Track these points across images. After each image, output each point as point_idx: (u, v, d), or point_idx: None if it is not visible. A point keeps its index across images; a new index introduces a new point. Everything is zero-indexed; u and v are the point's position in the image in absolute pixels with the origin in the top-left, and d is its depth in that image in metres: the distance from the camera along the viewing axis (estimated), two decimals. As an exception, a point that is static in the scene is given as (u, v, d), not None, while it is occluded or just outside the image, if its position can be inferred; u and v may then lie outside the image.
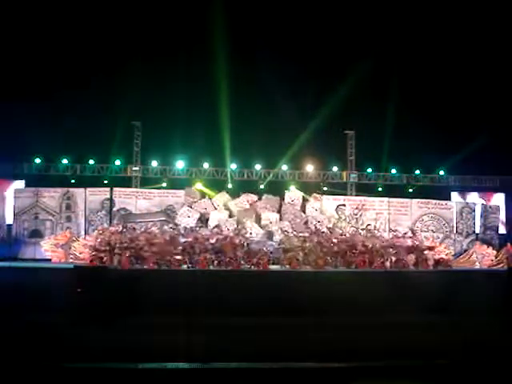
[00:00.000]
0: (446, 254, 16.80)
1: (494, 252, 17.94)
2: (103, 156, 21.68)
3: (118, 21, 20.74)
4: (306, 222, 19.82)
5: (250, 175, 22.17)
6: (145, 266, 14.32)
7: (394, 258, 15.64)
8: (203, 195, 20.76)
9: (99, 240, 15.54)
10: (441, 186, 23.12)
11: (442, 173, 23.05)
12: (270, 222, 19.41)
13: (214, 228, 17.76)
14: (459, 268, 16.59)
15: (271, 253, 16.00)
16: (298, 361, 8.31)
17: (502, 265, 17.44)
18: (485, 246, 18.51)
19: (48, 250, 17.29)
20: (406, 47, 21.55)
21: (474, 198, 22.57)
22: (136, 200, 20.11)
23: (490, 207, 21.63)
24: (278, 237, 18.29)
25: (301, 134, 21.11)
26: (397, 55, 21.65)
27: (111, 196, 19.73)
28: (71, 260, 16.41)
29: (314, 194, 20.91)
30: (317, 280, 13.62)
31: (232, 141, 20.92)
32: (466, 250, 19.45)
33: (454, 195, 22.68)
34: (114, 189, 20.06)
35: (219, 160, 21.86)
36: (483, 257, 17.60)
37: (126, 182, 21.63)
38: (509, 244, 18.28)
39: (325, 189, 22.00)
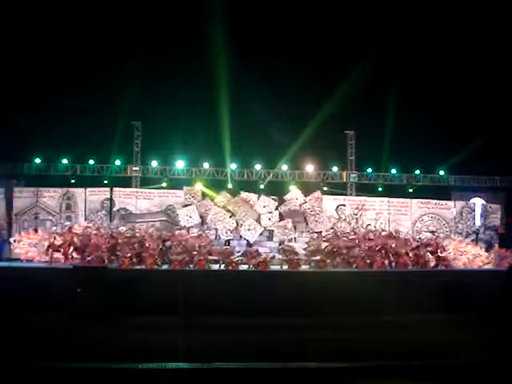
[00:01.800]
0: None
1: (483, 252, 17.88)
2: (103, 156, 21.67)
3: (118, 21, 20.73)
4: (305, 222, 19.87)
5: (249, 175, 22.16)
6: (143, 266, 14.31)
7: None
8: (204, 195, 20.75)
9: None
10: (441, 185, 23.11)
11: (442, 173, 23.05)
12: (270, 220, 19.43)
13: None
14: (459, 268, 16.56)
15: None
16: (298, 361, 8.31)
17: (490, 264, 17.41)
18: (463, 244, 18.46)
19: (17, 248, 16.81)
20: (406, 47, 21.54)
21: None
22: (136, 200, 20.13)
23: (490, 207, 21.63)
24: (278, 237, 18.36)
25: (301, 134, 21.10)
26: (397, 55, 21.62)
27: (111, 196, 19.76)
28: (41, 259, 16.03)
29: (314, 194, 20.89)
30: (317, 280, 13.62)
31: (232, 141, 20.91)
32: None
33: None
34: (114, 189, 20.08)
35: (219, 160, 21.85)
36: (475, 257, 17.56)
37: (126, 182, 21.62)
38: (496, 244, 18.34)
39: (325, 189, 21.98)
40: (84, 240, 15.05)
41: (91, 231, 15.86)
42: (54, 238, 15.40)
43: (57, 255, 15.23)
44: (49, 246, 15.24)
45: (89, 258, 14.46)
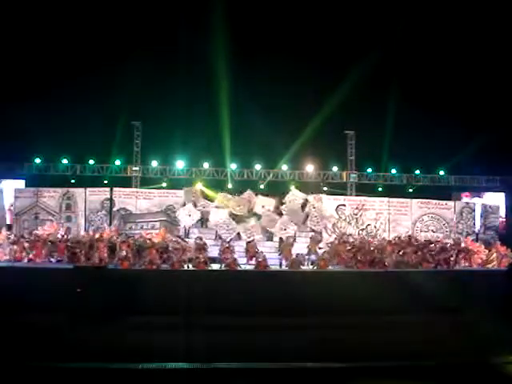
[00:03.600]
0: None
1: (486, 251, 17.84)
2: (103, 156, 21.70)
3: (119, 21, 20.74)
4: (305, 222, 19.84)
5: (249, 175, 22.16)
6: (143, 266, 14.29)
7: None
8: (204, 195, 20.74)
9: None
10: (441, 185, 23.12)
11: (442, 173, 23.05)
12: (270, 222, 19.38)
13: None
14: (459, 268, 16.54)
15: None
16: (298, 361, 8.31)
17: (492, 264, 17.38)
18: (476, 244, 18.44)
19: None
20: (406, 47, 21.55)
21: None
22: (136, 200, 20.10)
23: (490, 207, 21.62)
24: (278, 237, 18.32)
25: (301, 134, 21.09)
26: (397, 55, 21.65)
27: (111, 196, 19.72)
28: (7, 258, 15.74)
29: (315, 195, 20.88)
30: (317, 280, 13.61)
31: (232, 141, 20.91)
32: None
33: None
34: (114, 189, 20.05)
35: (219, 160, 21.86)
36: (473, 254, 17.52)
37: (126, 182, 21.63)
38: (498, 243, 18.30)
39: (325, 189, 21.98)
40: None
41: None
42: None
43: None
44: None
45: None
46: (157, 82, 21.23)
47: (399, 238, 17.02)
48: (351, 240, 16.75)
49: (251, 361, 8.21)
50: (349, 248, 15.96)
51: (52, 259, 15.32)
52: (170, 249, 14.84)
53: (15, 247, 15.43)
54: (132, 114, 21.18)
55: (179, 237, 16.59)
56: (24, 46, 20.42)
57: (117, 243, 15.01)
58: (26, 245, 15.31)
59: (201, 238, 15.98)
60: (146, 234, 16.37)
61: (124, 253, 14.42)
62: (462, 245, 16.73)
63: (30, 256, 15.20)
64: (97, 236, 15.73)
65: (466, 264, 16.23)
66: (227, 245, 15.46)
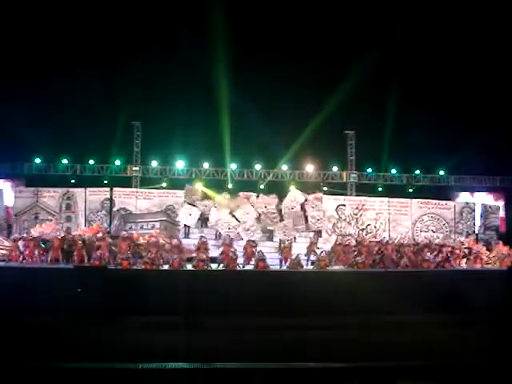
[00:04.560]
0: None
1: (487, 252, 17.82)
2: (103, 156, 21.70)
3: (118, 21, 20.74)
4: (306, 222, 19.84)
5: (250, 175, 22.16)
6: (142, 266, 14.28)
7: None
8: (204, 195, 20.75)
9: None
10: (441, 185, 23.13)
11: (442, 173, 23.05)
12: (271, 222, 19.40)
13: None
14: (459, 268, 16.55)
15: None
16: (298, 361, 8.31)
17: (494, 264, 17.36)
18: (478, 244, 18.44)
19: None
20: (406, 47, 21.55)
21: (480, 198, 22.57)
22: (136, 200, 20.12)
23: (490, 207, 21.63)
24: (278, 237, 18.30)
25: (301, 134, 21.10)
26: (397, 55, 21.65)
27: (111, 196, 19.74)
28: None
29: (315, 195, 20.89)
30: (317, 280, 13.61)
31: (232, 141, 20.92)
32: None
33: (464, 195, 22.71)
34: (114, 189, 20.06)
35: (219, 160, 21.86)
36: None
37: (126, 182, 21.63)
38: (501, 243, 18.29)
39: (325, 189, 21.98)
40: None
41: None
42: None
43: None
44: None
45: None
46: (157, 82, 21.23)
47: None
48: (353, 241, 16.74)
49: (251, 361, 8.20)
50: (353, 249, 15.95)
51: (44, 258, 15.19)
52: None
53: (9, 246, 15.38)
54: (132, 114, 21.18)
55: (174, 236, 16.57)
56: (24, 45, 20.42)
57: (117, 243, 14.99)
58: (21, 244, 15.24)
59: (205, 237, 15.95)
60: (137, 234, 16.35)
61: (126, 254, 14.38)
62: (465, 245, 16.74)
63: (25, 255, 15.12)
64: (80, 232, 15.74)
65: (469, 265, 16.22)
66: (227, 243, 15.40)
